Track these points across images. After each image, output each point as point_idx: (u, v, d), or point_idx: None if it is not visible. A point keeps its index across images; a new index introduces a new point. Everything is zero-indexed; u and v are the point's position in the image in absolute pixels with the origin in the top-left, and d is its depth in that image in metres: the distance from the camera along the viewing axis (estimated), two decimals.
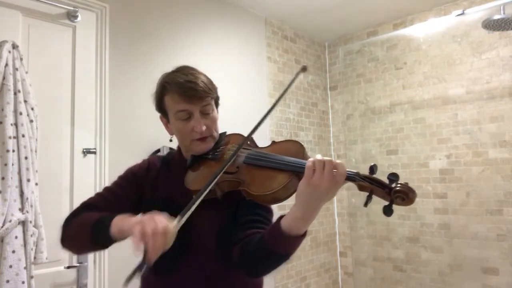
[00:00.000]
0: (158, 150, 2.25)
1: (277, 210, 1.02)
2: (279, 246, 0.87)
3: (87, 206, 1.10)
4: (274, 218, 0.93)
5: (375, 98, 3.41)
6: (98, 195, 1.14)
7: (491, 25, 2.43)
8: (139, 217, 0.89)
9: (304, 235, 0.87)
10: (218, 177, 0.93)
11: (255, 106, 2.92)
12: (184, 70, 1.09)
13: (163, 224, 0.82)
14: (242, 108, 2.78)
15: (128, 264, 1.30)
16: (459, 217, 2.86)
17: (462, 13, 2.48)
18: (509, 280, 2.62)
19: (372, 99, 3.43)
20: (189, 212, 0.86)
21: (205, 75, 1.11)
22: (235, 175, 0.98)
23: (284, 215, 0.88)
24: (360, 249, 3.43)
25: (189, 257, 1.04)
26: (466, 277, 2.81)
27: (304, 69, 1.05)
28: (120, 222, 0.92)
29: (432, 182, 3.02)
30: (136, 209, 1.08)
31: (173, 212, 1.06)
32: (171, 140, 1.18)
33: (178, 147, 1.18)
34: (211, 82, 1.11)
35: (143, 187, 1.13)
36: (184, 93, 1.03)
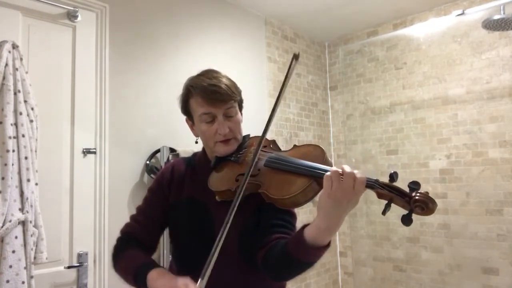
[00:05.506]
0: (158, 150, 2.24)
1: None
2: (303, 256, 0.87)
3: (127, 236, 1.19)
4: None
5: (375, 98, 3.41)
6: (132, 219, 1.21)
7: (491, 25, 2.43)
8: (170, 277, 0.96)
9: (328, 245, 0.86)
10: (244, 188, 0.92)
11: (255, 106, 2.92)
12: (208, 74, 1.12)
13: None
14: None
15: None
16: (459, 217, 2.86)
17: (462, 13, 2.48)
18: (509, 280, 2.62)
19: (372, 99, 3.43)
20: (212, 264, 0.86)
21: (228, 78, 1.14)
22: (256, 177, 0.99)
23: (308, 224, 0.87)
24: (360, 249, 3.43)
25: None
26: (466, 277, 2.81)
27: (296, 57, 1.00)
28: (154, 281, 0.99)
29: (432, 182, 3.01)
30: (168, 213, 1.16)
31: (196, 211, 1.11)
32: (196, 142, 1.22)
33: (203, 148, 1.22)
34: (234, 85, 1.14)
35: (170, 190, 1.17)
36: (207, 96, 1.06)
